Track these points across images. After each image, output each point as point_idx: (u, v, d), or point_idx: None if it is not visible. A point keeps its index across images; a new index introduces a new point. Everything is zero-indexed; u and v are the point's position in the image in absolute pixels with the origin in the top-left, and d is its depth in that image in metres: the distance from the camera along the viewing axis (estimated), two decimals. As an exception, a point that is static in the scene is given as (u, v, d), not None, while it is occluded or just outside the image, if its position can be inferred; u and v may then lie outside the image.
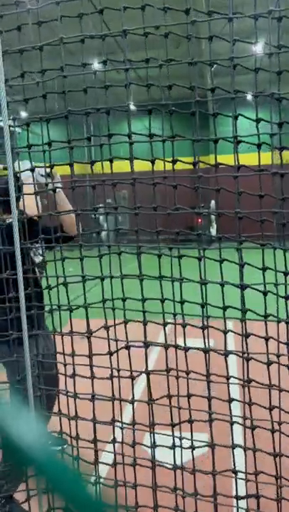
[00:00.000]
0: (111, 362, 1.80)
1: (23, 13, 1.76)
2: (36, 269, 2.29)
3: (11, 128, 1.75)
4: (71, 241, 2.31)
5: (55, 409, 1.96)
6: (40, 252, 2.33)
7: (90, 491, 0.44)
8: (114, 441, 1.84)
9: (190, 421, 1.76)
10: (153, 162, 1.63)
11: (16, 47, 1.75)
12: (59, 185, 2.17)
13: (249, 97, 1.65)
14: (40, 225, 2.02)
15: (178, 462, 1.79)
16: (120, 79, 1.66)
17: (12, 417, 0.50)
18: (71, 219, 2.26)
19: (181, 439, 1.78)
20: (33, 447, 0.46)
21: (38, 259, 2.34)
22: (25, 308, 1.75)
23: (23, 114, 12.73)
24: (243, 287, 1.60)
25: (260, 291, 1.60)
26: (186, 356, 1.72)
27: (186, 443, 1.78)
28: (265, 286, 1.61)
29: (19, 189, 1.85)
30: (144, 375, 1.81)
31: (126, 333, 1.79)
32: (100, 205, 1.84)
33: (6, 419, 0.49)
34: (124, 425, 1.84)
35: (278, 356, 1.61)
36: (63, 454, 1.89)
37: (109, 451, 1.91)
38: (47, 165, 1.81)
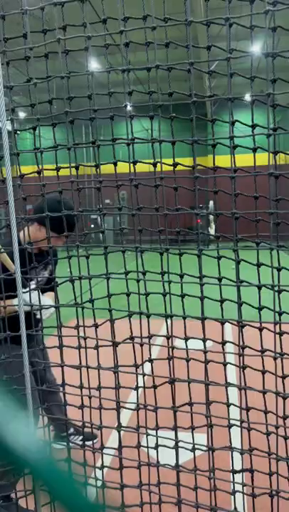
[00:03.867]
0: (115, 353, 1.91)
1: (22, 13, 1.77)
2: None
3: (9, 129, 1.76)
4: None
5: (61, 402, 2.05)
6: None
7: (87, 495, 0.44)
8: (119, 427, 1.96)
9: (190, 404, 1.88)
10: (155, 165, 1.71)
11: (15, 48, 1.77)
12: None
13: (246, 99, 1.72)
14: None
15: (179, 459, 1.91)
16: (119, 80, 1.71)
17: (7, 418, 0.49)
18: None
19: (178, 442, 1.89)
20: (29, 450, 0.46)
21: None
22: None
23: (22, 115, 12.52)
24: (239, 284, 1.71)
25: (255, 285, 1.70)
26: (186, 345, 1.84)
27: (187, 438, 1.90)
28: (259, 281, 1.71)
29: None
30: (146, 370, 1.92)
31: (130, 324, 1.89)
32: (100, 207, 1.91)
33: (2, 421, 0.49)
34: (124, 429, 1.95)
35: (276, 355, 1.72)
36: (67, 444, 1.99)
37: (111, 448, 2.03)
38: (52, 167, 1.85)
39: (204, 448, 1.87)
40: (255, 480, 1.81)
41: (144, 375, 1.83)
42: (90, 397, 1.96)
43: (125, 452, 1.95)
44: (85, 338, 1.94)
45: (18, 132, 1.98)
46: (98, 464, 2.11)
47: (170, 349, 1.85)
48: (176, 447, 1.90)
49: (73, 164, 1.81)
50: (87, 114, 1.82)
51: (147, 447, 1.94)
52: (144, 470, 1.97)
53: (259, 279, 1.69)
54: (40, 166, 1.84)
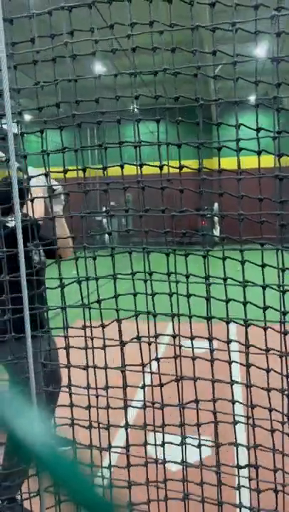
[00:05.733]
0: (122, 352, 1.94)
1: (29, 17, 1.77)
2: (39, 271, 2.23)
3: (15, 131, 1.76)
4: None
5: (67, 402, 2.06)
6: (41, 252, 2.33)
7: (97, 488, 0.45)
8: (126, 425, 1.99)
9: (196, 401, 1.90)
10: (161, 168, 1.73)
11: (22, 51, 1.79)
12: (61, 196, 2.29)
13: (251, 101, 1.73)
14: (40, 228, 2.08)
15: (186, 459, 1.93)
16: (125, 82, 1.72)
17: (17, 414, 0.50)
18: (66, 244, 2.16)
19: (185, 438, 1.92)
20: (39, 445, 0.47)
21: (37, 258, 2.30)
22: (28, 310, 1.76)
23: (27, 118, 12.57)
24: (244, 285, 1.73)
25: (259, 285, 1.73)
26: (192, 345, 1.86)
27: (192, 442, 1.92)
28: (264, 281, 1.74)
29: (23, 194, 1.85)
30: (152, 369, 1.94)
31: (137, 325, 1.92)
32: (106, 209, 1.92)
33: (12, 417, 0.50)
34: (131, 427, 1.96)
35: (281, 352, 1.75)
36: (74, 445, 1.99)
37: (117, 448, 2.05)
38: (59, 169, 1.88)
39: (210, 444, 1.90)
40: (260, 475, 1.84)
41: (151, 373, 1.85)
42: (97, 396, 1.99)
43: (132, 450, 1.98)
44: (92, 338, 1.96)
45: (25, 135, 2.00)
46: (105, 462, 2.13)
47: (176, 347, 1.87)
48: (183, 444, 1.93)
49: (80, 167, 1.83)
50: (93, 116, 1.82)
51: (155, 445, 1.97)
52: (151, 468, 2.00)
53: (264, 278, 1.72)
54: (48, 168, 1.86)
